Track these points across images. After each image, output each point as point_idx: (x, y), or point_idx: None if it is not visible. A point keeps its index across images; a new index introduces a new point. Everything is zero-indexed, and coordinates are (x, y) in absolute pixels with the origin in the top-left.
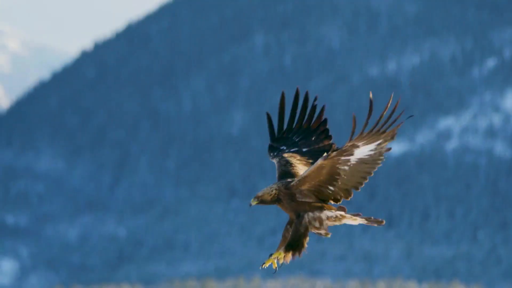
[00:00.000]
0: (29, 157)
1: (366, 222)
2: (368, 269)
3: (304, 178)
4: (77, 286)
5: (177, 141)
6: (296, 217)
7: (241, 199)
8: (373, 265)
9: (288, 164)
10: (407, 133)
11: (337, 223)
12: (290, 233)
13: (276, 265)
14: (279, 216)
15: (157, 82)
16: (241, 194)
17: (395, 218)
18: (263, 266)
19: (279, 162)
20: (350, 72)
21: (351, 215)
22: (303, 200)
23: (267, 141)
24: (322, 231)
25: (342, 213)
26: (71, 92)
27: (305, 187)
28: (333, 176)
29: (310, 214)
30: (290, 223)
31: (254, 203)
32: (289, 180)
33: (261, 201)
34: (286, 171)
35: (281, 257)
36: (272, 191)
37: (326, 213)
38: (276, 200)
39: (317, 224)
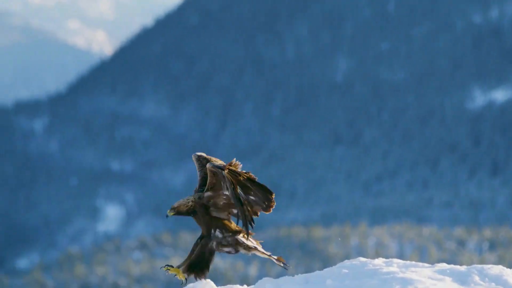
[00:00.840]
0: (134, 104)
1: (272, 259)
2: (474, 216)
3: (215, 190)
4: (183, 232)
5: (281, 87)
6: (206, 234)
7: (346, 146)
8: (479, 212)
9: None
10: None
11: (245, 251)
12: (196, 252)
13: (184, 278)
14: (385, 161)
15: (260, 29)
16: (346, 141)
17: (501, 165)
18: (166, 269)
19: (201, 169)
20: (454, 19)
21: (262, 251)
22: (217, 215)
23: (371, 87)
24: (232, 251)
25: (256, 245)
26: (174, 38)
27: (218, 200)
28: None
29: (219, 235)
30: (201, 237)
31: (170, 214)
32: (204, 192)
33: (178, 212)
34: (205, 182)
35: (180, 275)
36: (188, 202)
37: (238, 239)
38: (191, 212)
39: (226, 249)
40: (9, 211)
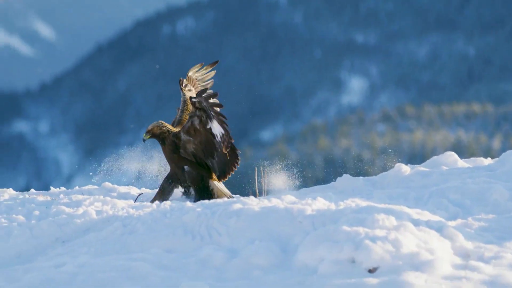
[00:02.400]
0: None
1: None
2: None
3: (190, 135)
4: (427, 104)
5: None
6: (175, 173)
7: None
8: None
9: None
10: None
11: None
12: (166, 193)
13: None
14: None
15: None
16: None
17: None
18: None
19: (184, 104)
20: None
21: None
22: (184, 156)
23: None
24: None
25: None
26: None
27: (189, 145)
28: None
29: (190, 170)
30: (171, 179)
31: (146, 137)
32: (181, 132)
33: (152, 134)
34: (182, 119)
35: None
36: (162, 127)
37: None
38: (162, 139)
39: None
40: (253, 83)
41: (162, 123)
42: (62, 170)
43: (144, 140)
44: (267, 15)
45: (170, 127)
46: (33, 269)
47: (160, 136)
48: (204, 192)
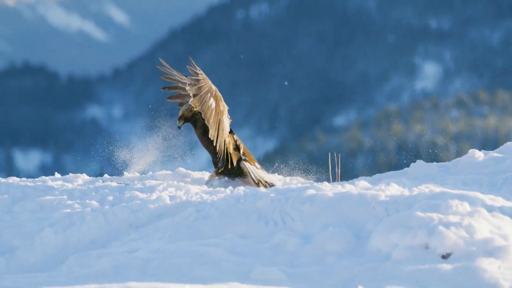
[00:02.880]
0: None
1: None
2: None
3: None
4: (501, 90)
5: None
6: (212, 157)
7: None
8: None
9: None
10: None
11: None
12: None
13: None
14: None
15: None
16: None
17: None
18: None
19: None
20: None
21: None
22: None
23: None
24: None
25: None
26: None
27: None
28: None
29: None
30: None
31: (180, 124)
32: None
33: (184, 119)
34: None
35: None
36: (192, 109)
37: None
38: (193, 120)
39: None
40: (327, 68)
41: (192, 106)
42: (135, 155)
43: (179, 127)
44: (341, 0)
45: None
46: (106, 255)
47: (192, 119)
48: (236, 175)
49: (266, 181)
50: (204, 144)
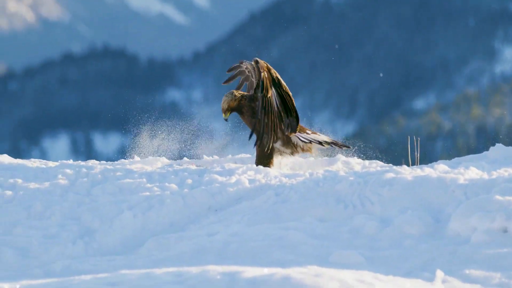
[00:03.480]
0: None
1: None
2: None
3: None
4: None
5: None
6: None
7: None
8: None
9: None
10: None
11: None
12: (256, 154)
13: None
14: None
15: None
16: None
17: None
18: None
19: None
20: None
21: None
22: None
23: None
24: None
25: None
26: None
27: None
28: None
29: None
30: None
31: (227, 116)
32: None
33: (231, 109)
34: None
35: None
36: (236, 97)
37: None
38: (240, 109)
39: (288, 148)
40: (407, 52)
41: (233, 93)
42: (214, 139)
43: (226, 120)
44: None
45: (242, 93)
46: (185, 238)
47: (239, 107)
48: (290, 147)
49: (319, 140)
50: (253, 126)
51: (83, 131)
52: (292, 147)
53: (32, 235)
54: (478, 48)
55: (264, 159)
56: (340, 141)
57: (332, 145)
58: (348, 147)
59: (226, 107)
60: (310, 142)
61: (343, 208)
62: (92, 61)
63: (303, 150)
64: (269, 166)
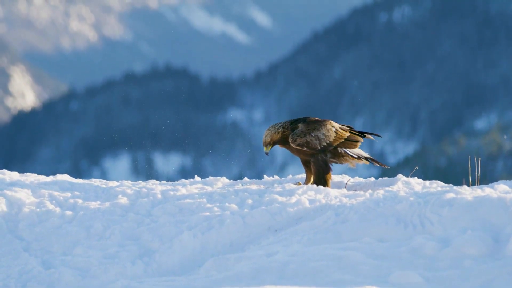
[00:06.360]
0: None
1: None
2: None
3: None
4: None
5: None
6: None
7: None
8: None
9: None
10: None
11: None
12: (313, 170)
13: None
14: None
15: None
16: None
17: None
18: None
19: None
20: None
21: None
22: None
23: None
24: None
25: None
26: None
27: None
28: None
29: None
30: (304, 163)
31: (268, 149)
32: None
33: (273, 143)
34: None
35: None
36: (278, 130)
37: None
38: (284, 140)
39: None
40: (469, 71)
41: (275, 127)
42: (275, 158)
43: (267, 154)
44: (484, 3)
45: (281, 123)
46: (245, 258)
47: (282, 138)
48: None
49: (365, 157)
50: (301, 154)
51: (144, 151)
52: (339, 158)
53: (92, 255)
54: None
55: (323, 174)
56: (380, 161)
57: (374, 162)
58: (387, 167)
59: (269, 140)
60: (359, 158)
61: (403, 228)
62: (154, 80)
63: (347, 161)
64: (327, 184)
